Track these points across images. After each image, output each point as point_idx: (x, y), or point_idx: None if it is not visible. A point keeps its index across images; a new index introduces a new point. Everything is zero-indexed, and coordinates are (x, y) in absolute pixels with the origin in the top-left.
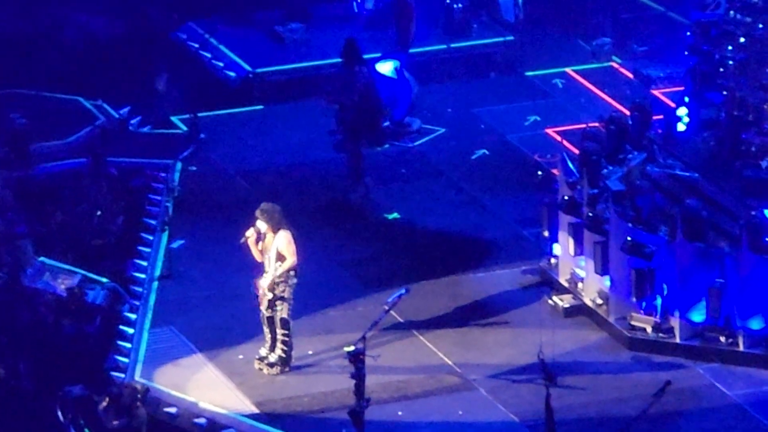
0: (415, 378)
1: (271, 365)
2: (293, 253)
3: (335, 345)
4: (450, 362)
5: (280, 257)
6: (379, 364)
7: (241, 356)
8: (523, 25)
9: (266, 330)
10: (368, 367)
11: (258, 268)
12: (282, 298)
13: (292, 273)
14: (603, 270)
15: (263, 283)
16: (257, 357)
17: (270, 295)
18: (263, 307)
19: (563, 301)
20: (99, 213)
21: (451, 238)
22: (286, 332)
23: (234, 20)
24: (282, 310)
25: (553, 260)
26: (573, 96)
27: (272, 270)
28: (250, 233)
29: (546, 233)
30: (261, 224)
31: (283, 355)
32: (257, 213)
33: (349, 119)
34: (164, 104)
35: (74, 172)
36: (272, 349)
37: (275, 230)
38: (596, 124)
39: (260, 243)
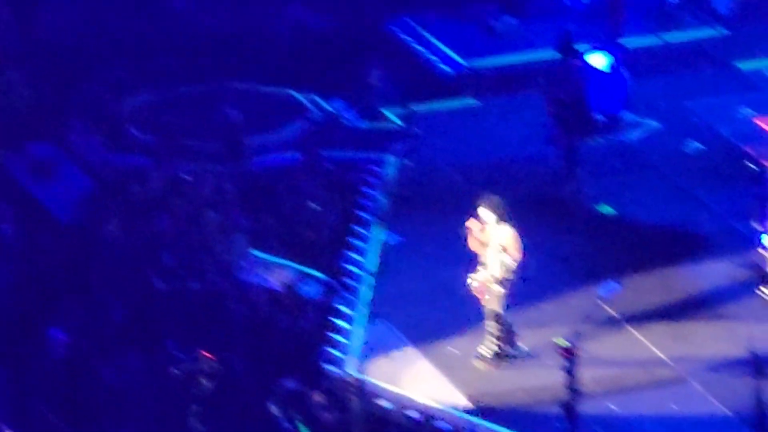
0: (627, 372)
1: (484, 359)
2: (519, 250)
3: (548, 339)
4: (663, 356)
5: (503, 251)
6: (591, 358)
7: (454, 350)
8: (737, 17)
9: (485, 324)
10: (581, 361)
11: (473, 263)
12: (498, 294)
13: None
14: None
15: (480, 276)
16: (476, 354)
17: (493, 289)
18: (482, 301)
19: None
20: (313, 207)
21: (663, 231)
22: (500, 327)
23: (448, 14)
24: (496, 305)
25: (763, 252)
26: None
27: (492, 263)
28: (473, 224)
29: (756, 225)
30: (485, 214)
31: (497, 349)
32: (482, 203)
33: (563, 113)
34: (377, 98)
35: (288, 166)
36: (487, 343)
37: (499, 222)
38: None
39: (480, 234)
